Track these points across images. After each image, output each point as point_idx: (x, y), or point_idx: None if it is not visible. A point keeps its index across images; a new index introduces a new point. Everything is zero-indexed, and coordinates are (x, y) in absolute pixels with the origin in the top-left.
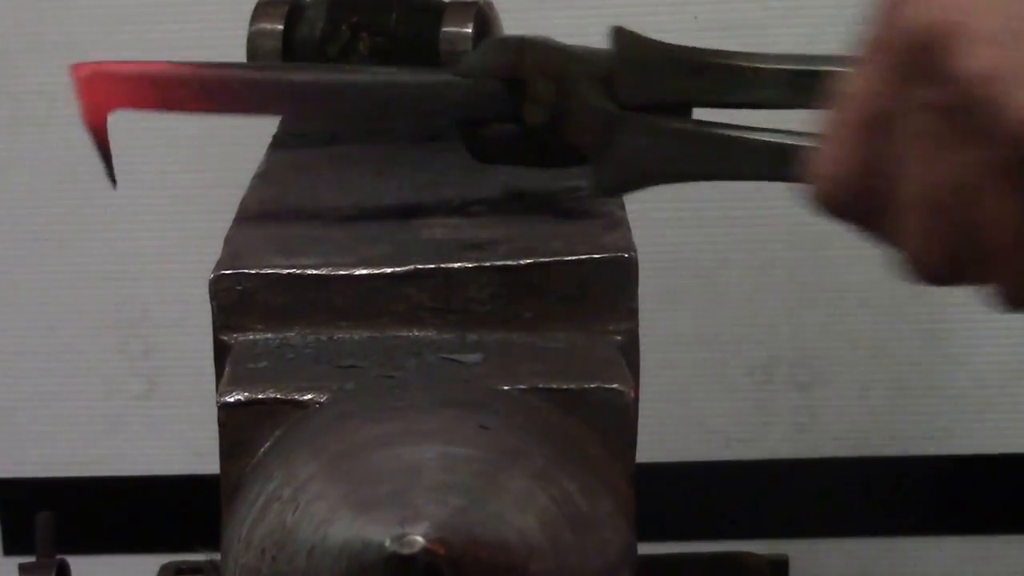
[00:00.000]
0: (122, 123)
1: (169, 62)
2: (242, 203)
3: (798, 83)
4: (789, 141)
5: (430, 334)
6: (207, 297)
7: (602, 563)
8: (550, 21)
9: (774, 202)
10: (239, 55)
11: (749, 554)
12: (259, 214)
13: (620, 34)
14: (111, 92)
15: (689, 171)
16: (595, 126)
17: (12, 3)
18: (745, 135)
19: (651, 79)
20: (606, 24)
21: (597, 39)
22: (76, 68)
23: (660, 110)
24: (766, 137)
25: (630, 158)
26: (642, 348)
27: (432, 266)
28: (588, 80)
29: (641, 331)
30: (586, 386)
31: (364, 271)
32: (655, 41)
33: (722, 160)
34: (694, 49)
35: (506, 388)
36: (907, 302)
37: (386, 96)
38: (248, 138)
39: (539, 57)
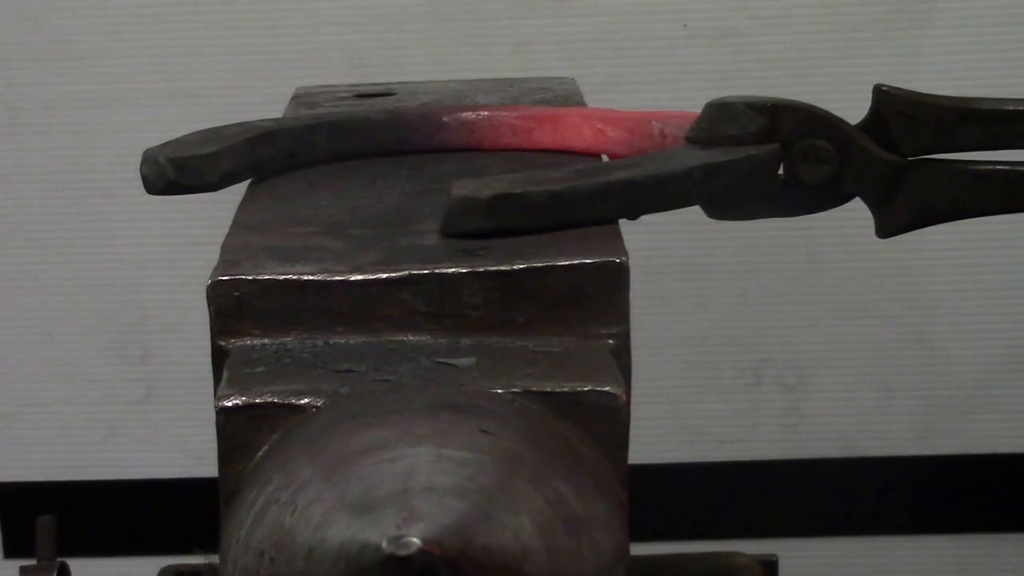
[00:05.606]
0: (120, 130)
1: None
2: (239, 210)
3: None
4: None
5: (424, 338)
6: (204, 303)
7: (596, 564)
8: (542, 29)
9: None
10: (233, 63)
11: (739, 554)
12: (256, 221)
13: (881, 91)
14: None
15: (979, 207)
16: (881, 176)
17: (9, 12)
18: None
19: (923, 128)
20: (597, 30)
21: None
22: None
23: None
24: None
25: (921, 200)
26: (633, 351)
27: (426, 271)
28: (863, 136)
29: (632, 334)
30: (579, 389)
31: (359, 277)
32: (916, 93)
33: (1012, 195)
34: (954, 98)
35: (500, 391)
36: (894, 305)
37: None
38: None
39: (798, 118)
